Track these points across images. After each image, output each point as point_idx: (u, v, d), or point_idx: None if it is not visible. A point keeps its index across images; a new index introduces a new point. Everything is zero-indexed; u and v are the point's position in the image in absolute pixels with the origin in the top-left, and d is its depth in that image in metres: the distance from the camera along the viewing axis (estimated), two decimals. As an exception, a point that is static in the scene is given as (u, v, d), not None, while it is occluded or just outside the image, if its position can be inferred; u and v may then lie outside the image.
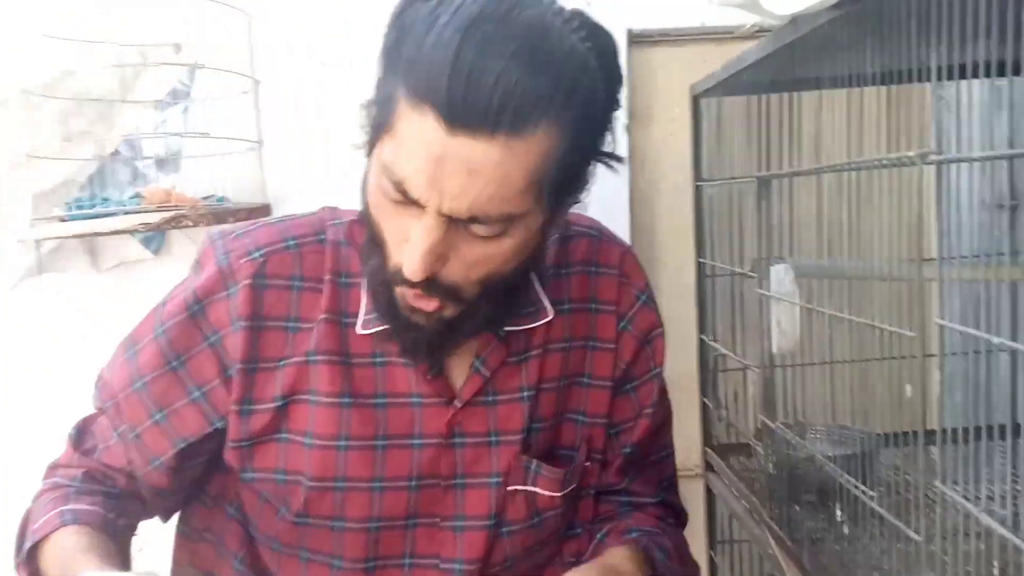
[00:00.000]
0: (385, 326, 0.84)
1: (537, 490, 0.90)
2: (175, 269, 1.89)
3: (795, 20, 0.92)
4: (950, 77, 0.68)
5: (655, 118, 1.60)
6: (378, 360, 0.87)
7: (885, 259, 0.85)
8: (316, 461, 0.85)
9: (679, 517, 1.06)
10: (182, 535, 1.00)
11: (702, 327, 1.43)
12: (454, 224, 0.72)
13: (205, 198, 1.74)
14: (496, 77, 0.67)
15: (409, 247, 0.73)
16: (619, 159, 0.80)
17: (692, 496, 1.82)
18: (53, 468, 0.94)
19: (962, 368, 1.06)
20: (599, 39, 0.76)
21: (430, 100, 0.68)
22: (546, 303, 0.90)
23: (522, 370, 0.90)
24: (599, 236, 0.95)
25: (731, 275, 1.32)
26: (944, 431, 0.71)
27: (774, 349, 1.07)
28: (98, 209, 1.64)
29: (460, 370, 0.88)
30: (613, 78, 0.78)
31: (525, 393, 0.90)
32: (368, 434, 0.86)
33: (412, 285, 0.75)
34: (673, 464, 1.06)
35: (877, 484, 1.09)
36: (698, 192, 1.40)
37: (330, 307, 0.86)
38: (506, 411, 0.89)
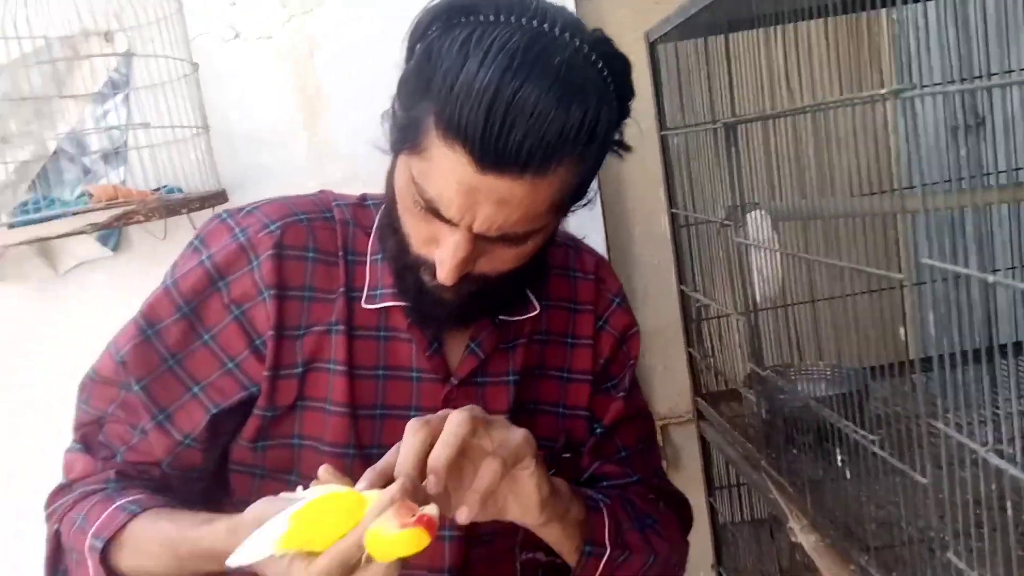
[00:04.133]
0: (394, 302, 0.90)
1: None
2: (137, 264, 1.85)
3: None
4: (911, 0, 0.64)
5: (612, 67, 1.55)
6: (382, 334, 0.91)
7: (859, 196, 0.83)
8: (334, 428, 0.88)
9: (675, 503, 1.04)
10: None
11: (681, 277, 1.41)
12: (480, 237, 0.78)
13: (156, 189, 1.68)
14: (527, 126, 0.71)
15: (441, 259, 0.79)
16: (628, 148, 0.84)
17: (687, 442, 1.83)
18: (67, 486, 0.91)
19: (942, 295, 1.05)
20: (615, 64, 0.79)
21: (462, 140, 0.72)
22: (532, 298, 0.96)
23: (509, 357, 0.95)
24: (575, 246, 1.04)
25: (706, 223, 1.29)
26: (940, 357, 0.69)
27: (756, 297, 1.05)
28: (45, 212, 1.58)
29: (456, 351, 0.93)
30: (627, 99, 0.83)
31: (511, 378, 0.94)
32: (368, 403, 0.89)
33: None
34: (654, 460, 1.05)
35: (873, 422, 1.09)
36: (664, 141, 1.37)
37: (345, 281, 0.91)
38: (494, 392, 0.93)
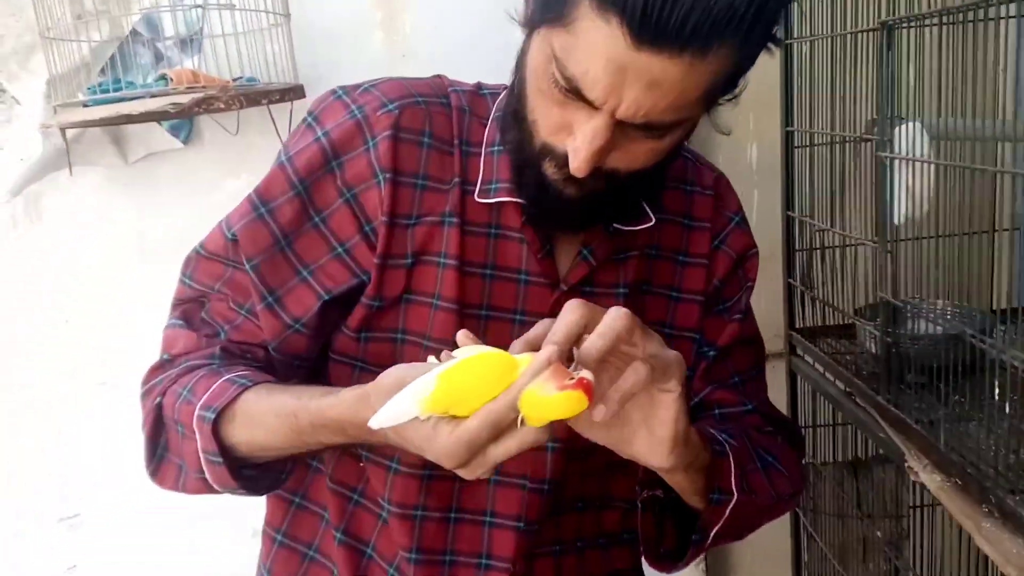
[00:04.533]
0: (509, 198, 0.85)
1: None
2: (206, 158, 1.79)
3: None
4: None
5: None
6: (493, 231, 0.87)
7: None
8: (440, 324, 0.84)
9: (788, 431, 0.98)
10: None
11: (788, 202, 1.32)
12: (622, 124, 0.72)
13: (246, 82, 1.61)
14: None
15: (576, 146, 0.73)
16: (779, 44, 0.76)
17: (773, 379, 1.75)
18: (167, 362, 0.87)
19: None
20: None
21: (619, 11, 0.66)
22: (648, 209, 0.90)
23: (620, 268, 0.89)
24: (693, 159, 0.96)
25: (829, 143, 1.21)
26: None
27: (898, 219, 0.97)
28: (124, 92, 1.51)
29: (567, 257, 0.88)
30: None
31: (621, 290, 0.89)
32: (475, 302, 0.86)
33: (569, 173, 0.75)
34: (764, 387, 0.99)
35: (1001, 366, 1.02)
36: (787, 52, 1.27)
37: (460, 172, 0.86)
38: (602, 304, 0.87)
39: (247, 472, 0.81)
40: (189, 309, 0.90)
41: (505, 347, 0.83)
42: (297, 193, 0.85)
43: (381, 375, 0.70)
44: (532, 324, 0.84)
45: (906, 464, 0.97)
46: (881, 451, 1.40)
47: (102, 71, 1.66)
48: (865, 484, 1.42)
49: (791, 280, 1.35)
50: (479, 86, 0.93)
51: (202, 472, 0.80)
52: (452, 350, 0.86)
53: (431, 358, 0.68)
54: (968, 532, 0.82)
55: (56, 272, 1.76)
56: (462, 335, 0.70)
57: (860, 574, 1.43)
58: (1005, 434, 0.92)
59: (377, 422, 0.64)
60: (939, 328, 1.07)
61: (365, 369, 0.87)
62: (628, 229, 0.89)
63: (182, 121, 1.75)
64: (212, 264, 0.88)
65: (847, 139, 1.12)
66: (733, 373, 0.96)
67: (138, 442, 0.86)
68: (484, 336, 0.86)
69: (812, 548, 1.47)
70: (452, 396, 0.63)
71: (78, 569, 1.82)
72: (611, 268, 0.89)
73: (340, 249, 0.85)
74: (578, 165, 0.74)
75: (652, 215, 0.90)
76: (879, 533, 1.39)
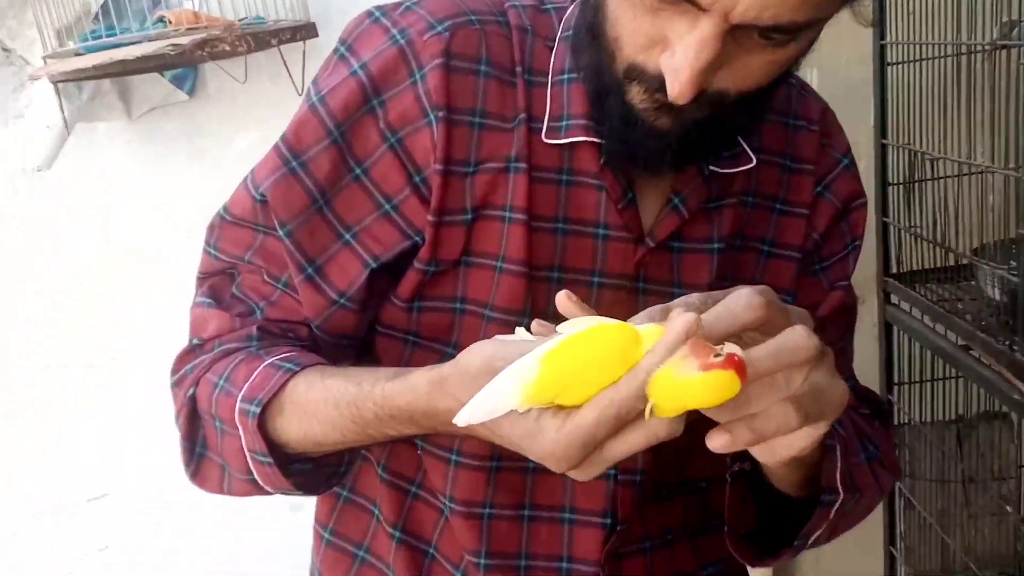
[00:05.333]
0: (584, 137, 0.70)
1: None
2: (214, 110, 1.65)
3: None
4: None
5: None
6: (564, 178, 0.72)
7: None
8: (506, 290, 0.71)
9: (879, 409, 0.84)
10: None
11: (883, 129, 1.15)
12: (735, 30, 0.57)
13: (253, 21, 1.45)
14: None
15: (676, 64, 0.59)
16: None
17: (859, 330, 1.58)
18: (198, 346, 0.76)
19: None
20: None
21: None
22: (746, 147, 0.75)
23: (714, 219, 0.75)
24: (798, 86, 0.81)
25: (942, 57, 1.03)
26: None
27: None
28: (120, 37, 1.35)
29: (652, 206, 0.74)
30: None
31: (716, 245, 0.75)
32: (545, 263, 0.72)
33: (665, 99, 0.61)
34: (850, 358, 0.85)
35: None
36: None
37: (525, 107, 0.71)
38: (693, 261, 0.75)
39: (300, 468, 0.70)
40: (218, 284, 0.77)
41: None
42: (333, 140, 0.71)
43: (463, 354, 0.56)
44: (612, 287, 0.73)
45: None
46: (994, 408, 1.25)
47: (96, 18, 1.50)
48: (969, 445, 1.27)
49: (885, 218, 1.18)
50: (542, 0, 0.77)
51: (249, 473, 0.69)
52: (520, 323, 0.71)
53: (519, 330, 0.56)
54: None
55: (57, 247, 1.64)
56: (565, 298, 0.56)
57: (962, 543, 1.29)
58: None
59: (465, 418, 0.52)
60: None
61: (418, 344, 0.74)
62: (725, 171, 0.74)
63: (186, 71, 1.60)
64: (239, 230, 0.75)
65: (973, 49, 0.94)
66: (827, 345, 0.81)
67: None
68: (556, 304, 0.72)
69: (909, 516, 1.33)
70: (560, 383, 0.50)
71: (110, 550, 1.75)
72: (704, 218, 0.75)
73: (387, 206, 0.72)
74: (680, 90, 0.59)
75: (752, 155, 0.75)
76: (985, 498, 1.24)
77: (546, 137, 0.71)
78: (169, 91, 1.61)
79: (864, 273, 1.36)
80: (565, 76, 0.72)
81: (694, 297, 0.55)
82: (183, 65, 1.42)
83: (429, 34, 0.70)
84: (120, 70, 1.27)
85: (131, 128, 1.62)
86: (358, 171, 0.71)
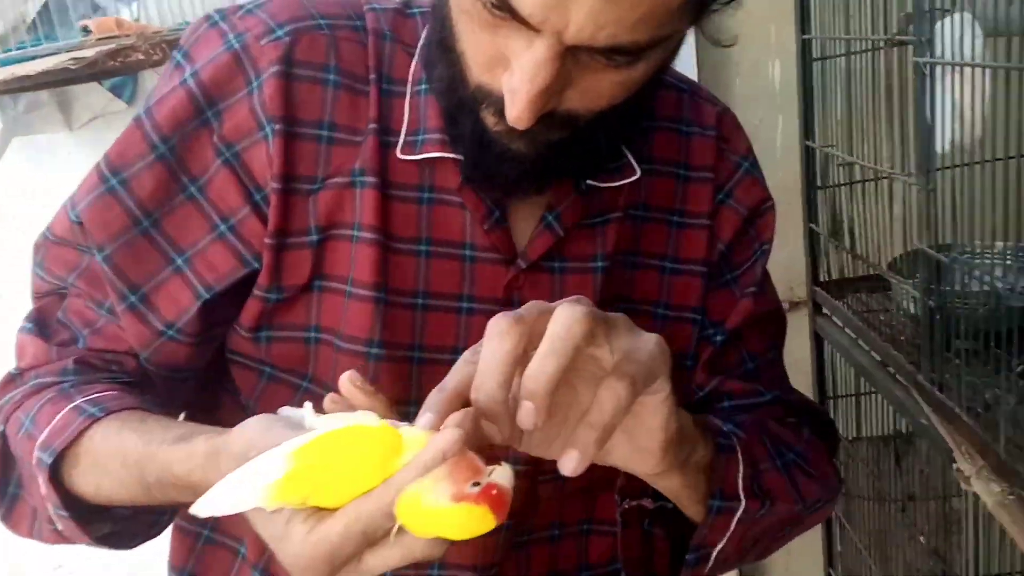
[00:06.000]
0: (442, 152, 0.66)
1: None
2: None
3: None
4: None
5: None
6: (425, 196, 0.67)
7: None
8: (355, 317, 0.66)
9: (816, 421, 0.78)
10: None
11: (807, 129, 1.08)
12: (575, 50, 0.53)
13: (176, 28, 1.41)
14: None
15: (513, 87, 0.54)
16: None
17: (793, 336, 1.52)
18: (16, 376, 0.71)
19: None
20: None
21: None
22: (630, 158, 0.70)
23: (597, 235, 0.70)
24: (691, 91, 0.76)
25: (860, 52, 0.96)
26: None
27: (944, 145, 0.74)
28: (42, 48, 1.32)
29: (526, 224, 0.69)
30: None
31: (599, 263, 0.70)
32: (406, 288, 0.67)
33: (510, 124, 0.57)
34: (783, 371, 0.80)
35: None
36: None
37: (377, 118, 0.66)
38: (575, 281, 0.69)
39: (120, 513, 0.65)
40: (46, 307, 0.72)
41: (449, 347, 0.67)
42: (160, 156, 0.66)
43: (235, 429, 0.51)
44: (483, 312, 0.68)
45: (954, 467, 0.75)
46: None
47: (29, 28, 1.46)
48: (907, 461, 1.20)
49: (813, 225, 1.11)
50: (407, 3, 0.71)
51: (52, 523, 0.64)
52: (370, 354, 0.66)
53: (307, 405, 0.50)
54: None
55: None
56: (346, 380, 0.51)
57: (902, 565, 1.22)
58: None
59: (204, 508, 0.47)
60: (998, 282, 0.84)
61: (274, 376, 0.69)
62: (606, 185, 0.69)
63: (124, 79, 1.56)
64: (63, 250, 0.70)
65: (877, 45, 0.87)
66: (747, 359, 0.76)
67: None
68: (423, 331, 0.68)
69: (845, 537, 1.27)
70: (310, 484, 0.45)
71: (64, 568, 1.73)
72: (585, 236, 0.70)
73: (223, 227, 0.66)
74: (517, 113, 0.54)
75: (636, 166, 0.70)
76: (923, 519, 1.17)
77: (401, 152, 0.66)
78: (108, 100, 1.57)
79: (798, 277, 1.30)
80: (423, 87, 0.67)
81: (465, 367, 0.50)
82: (86, 79, 1.38)
83: (267, 39, 0.65)
84: (17, 87, 1.24)
85: (72, 139, 1.58)
86: (192, 189, 0.66)
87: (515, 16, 0.51)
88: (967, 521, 1.16)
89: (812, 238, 1.13)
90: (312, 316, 0.67)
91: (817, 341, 1.18)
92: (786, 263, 1.50)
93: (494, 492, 0.43)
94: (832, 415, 1.22)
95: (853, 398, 1.20)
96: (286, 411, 0.52)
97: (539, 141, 0.59)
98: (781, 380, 0.78)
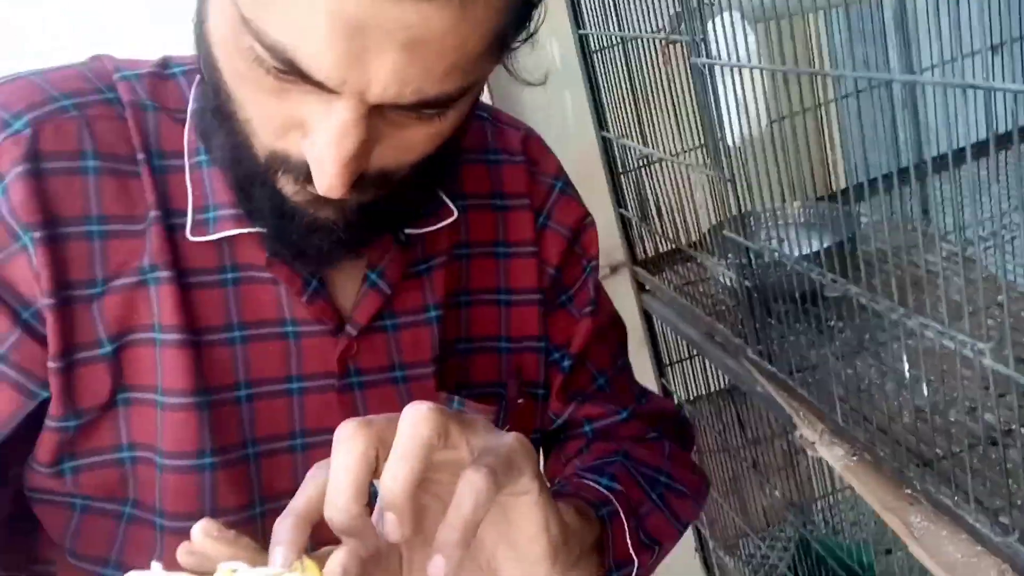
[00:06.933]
0: (239, 229, 0.60)
1: None
2: None
3: None
4: None
5: None
6: (229, 276, 0.62)
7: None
8: (173, 430, 0.60)
9: (674, 426, 0.79)
10: None
11: (600, 119, 1.10)
12: (379, 109, 0.49)
13: None
14: None
15: (318, 155, 0.49)
16: None
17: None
18: None
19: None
20: None
21: None
22: (445, 198, 0.67)
23: (425, 284, 0.67)
24: (491, 118, 0.75)
25: (632, 41, 0.97)
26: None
27: (734, 140, 0.76)
28: None
29: (348, 287, 0.65)
30: None
31: (433, 313, 0.67)
32: (224, 383, 0.61)
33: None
34: (632, 376, 0.81)
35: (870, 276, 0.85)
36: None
37: (156, 200, 0.60)
38: (411, 337, 0.67)
39: None
40: None
41: (286, 434, 0.62)
42: None
43: None
44: (317, 390, 0.64)
45: (797, 435, 0.80)
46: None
47: None
48: (746, 409, 1.27)
49: (623, 210, 1.14)
50: (164, 62, 0.64)
51: None
52: (200, 466, 0.60)
53: (155, 565, 0.44)
54: (894, 530, 0.65)
55: None
56: (201, 533, 0.46)
57: (760, 506, 1.30)
58: (891, 363, 0.75)
59: None
60: (802, 246, 0.89)
61: (88, 508, 0.61)
62: (425, 231, 0.66)
63: None
64: None
65: (653, 39, 0.89)
66: (596, 375, 0.76)
67: None
68: (253, 428, 0.62)
69: (704, 491, 1.33)
70: None
71: None
72: (412, 287, 0.66)
73: None
74: (329, 184, 0.50)
75: (452, 206, 0.67)
76: (772, 458, 1.25)
77: (192, 234, 0.59)
78: None
79: (620, 258, 1.32)
80: (203, 157, 0.60)
81: (312, 486, 0.46)
82: None
83: (3, 135, 0.56)
84: None
85: None
86: None
87: (307, 80, 0.46)
88: (803, 455, 1.25)
89: (624, 222, 1.15)
90: (122, 434, 0.60)
91: (646, 317, 1.22)
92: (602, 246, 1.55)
93: None
94: (671, 380, 1.27)
95: (688, 360, 1.25)
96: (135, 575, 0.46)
97: (349, 207, 0.54)
98: (632, 390, 0.79)
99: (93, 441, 0.59)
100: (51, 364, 0.57)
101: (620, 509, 0.63)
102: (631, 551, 0.62)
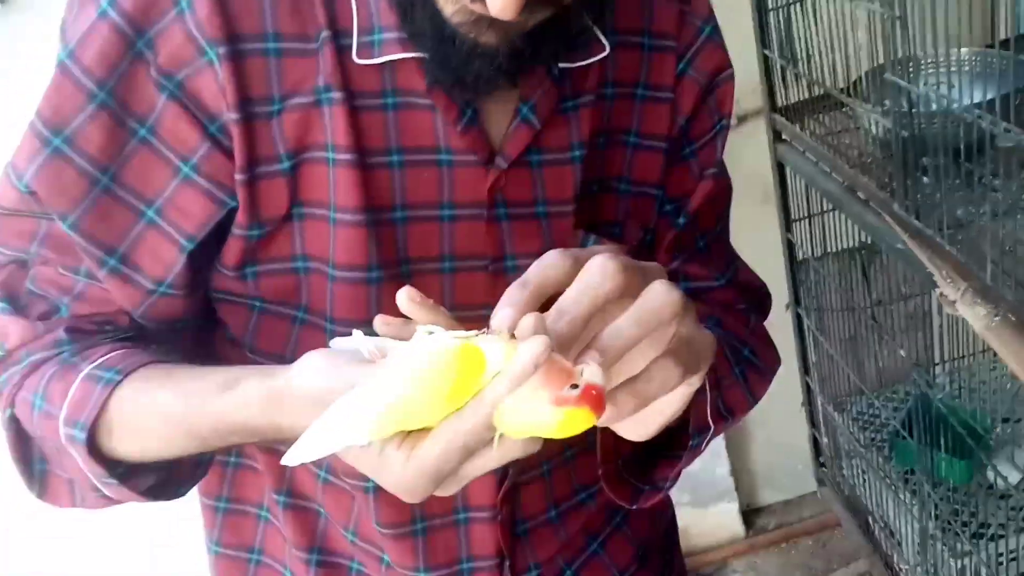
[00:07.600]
0: (402, 53, 0.60)
1: None
2: (26, 21, 1.45)
3: None
4: None
5: None
6: (390, 101, 0.62)
7: None
8: (344, 245, 0.63)
9: (757, 300, 0.78)
10: None
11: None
12: None
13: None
14: None
15: None
16: None
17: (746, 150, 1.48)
18: (4, 358, 0.67)
19: None
20: None
21: None
22: (598, 32, 0.64)
23: (572, 122, 0.65)
24: None
25: None
26: None
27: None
28: None
29: (499, 119, 0.64)
30: None
31: (577, 152, 0.65)
32: (383, 203, 0.63)
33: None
34: (729, 242, 0.79)
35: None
36: None
37: (327, 21, 0.60)
38: (555, 175, 0.66)
39: (148, 477, 0.64)
40: (10, 281, 0.67)
41: (434, 257, 0.65)
42: (100, 104, 0.59)
43: (295, 372, 0.50)
44: (467, 219, 0.65)
45: (937, 292, 0.77)
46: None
47: None
48: (874, 270, 1.24)
49: (767, 51, 1.07)
50: None
51: (97, 489, 0.63)
52: (367, 279, 0.63)
53: (356, 333, 0.48)
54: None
55: None
56: (406, 298, 0.48)
57: (874, 369, 1.28)
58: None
59: (297, 457, 0.46)
60: (967, 97, 0.83)
61: (265, 310, 0.66)
62: (576, 66, 0.64)
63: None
64: (16, 220, 0.64)
65: None
66: (699, 237, 0.75)
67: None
68: (406, 246, 0.64)
69: (819, 348, 1.32)
70: (400, 415, 0.45)
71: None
72: (560, 125, 0.65)
73: (186, 168, 0.60)
74: (503, 4, 0.49)
75: (604, 41, 0.65)
76: (892, 321, 1.22)
77: (358, 56, 0.60)
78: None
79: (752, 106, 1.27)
80: None
81: (551, 268, 0.47)
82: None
83: None
84: None
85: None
86: (142, 132, 0.59)
87: None
88: (932, 317, 1.21)
89: (767, 63, 1.09)
90: (297, 245, 0.64)
91: (780, 169, 1.17)
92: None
93: (592, 392, 0.43)
94: (796, 235, 1.24)
95: (819, 216, 1.21)
96: (338, 343, 0.50)
97: (511, 30, 0.54)
98: (727, 257, 0.78)
99: (272, 250, 0.63)
100: (238, 176, 0.59)
101: (706, 380, 0.64)
102: (708, 419, 0.63)
